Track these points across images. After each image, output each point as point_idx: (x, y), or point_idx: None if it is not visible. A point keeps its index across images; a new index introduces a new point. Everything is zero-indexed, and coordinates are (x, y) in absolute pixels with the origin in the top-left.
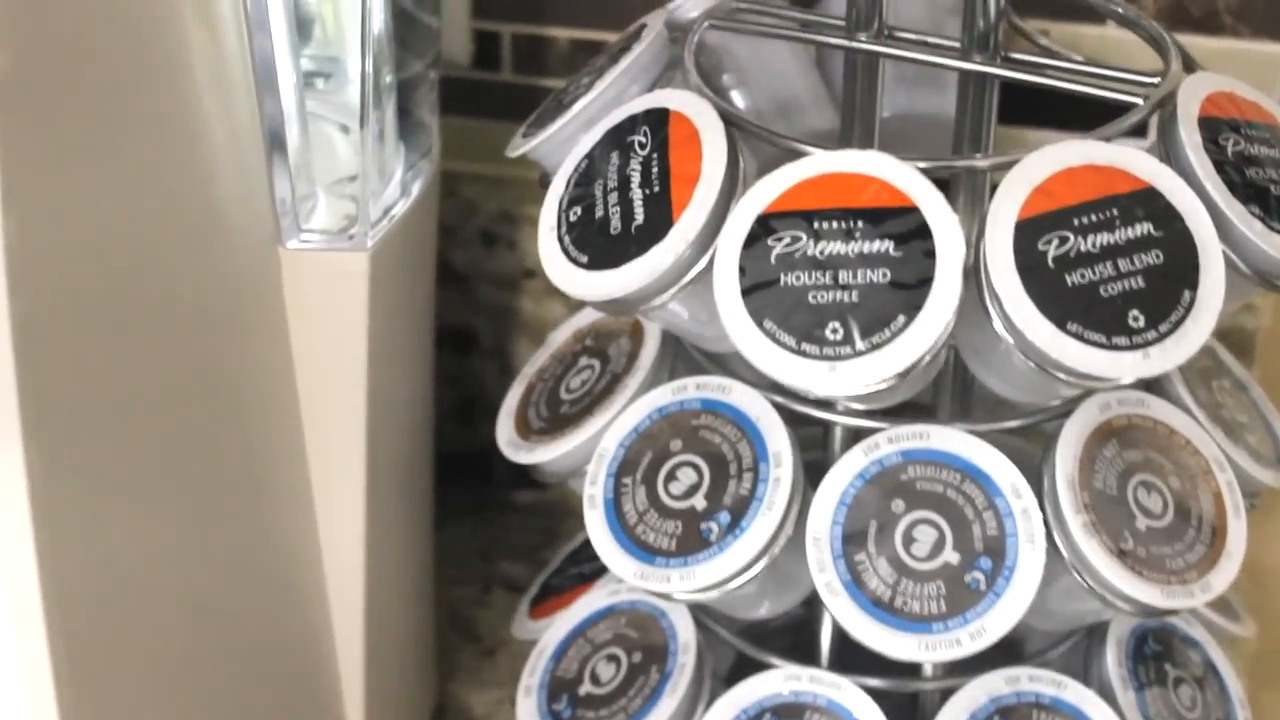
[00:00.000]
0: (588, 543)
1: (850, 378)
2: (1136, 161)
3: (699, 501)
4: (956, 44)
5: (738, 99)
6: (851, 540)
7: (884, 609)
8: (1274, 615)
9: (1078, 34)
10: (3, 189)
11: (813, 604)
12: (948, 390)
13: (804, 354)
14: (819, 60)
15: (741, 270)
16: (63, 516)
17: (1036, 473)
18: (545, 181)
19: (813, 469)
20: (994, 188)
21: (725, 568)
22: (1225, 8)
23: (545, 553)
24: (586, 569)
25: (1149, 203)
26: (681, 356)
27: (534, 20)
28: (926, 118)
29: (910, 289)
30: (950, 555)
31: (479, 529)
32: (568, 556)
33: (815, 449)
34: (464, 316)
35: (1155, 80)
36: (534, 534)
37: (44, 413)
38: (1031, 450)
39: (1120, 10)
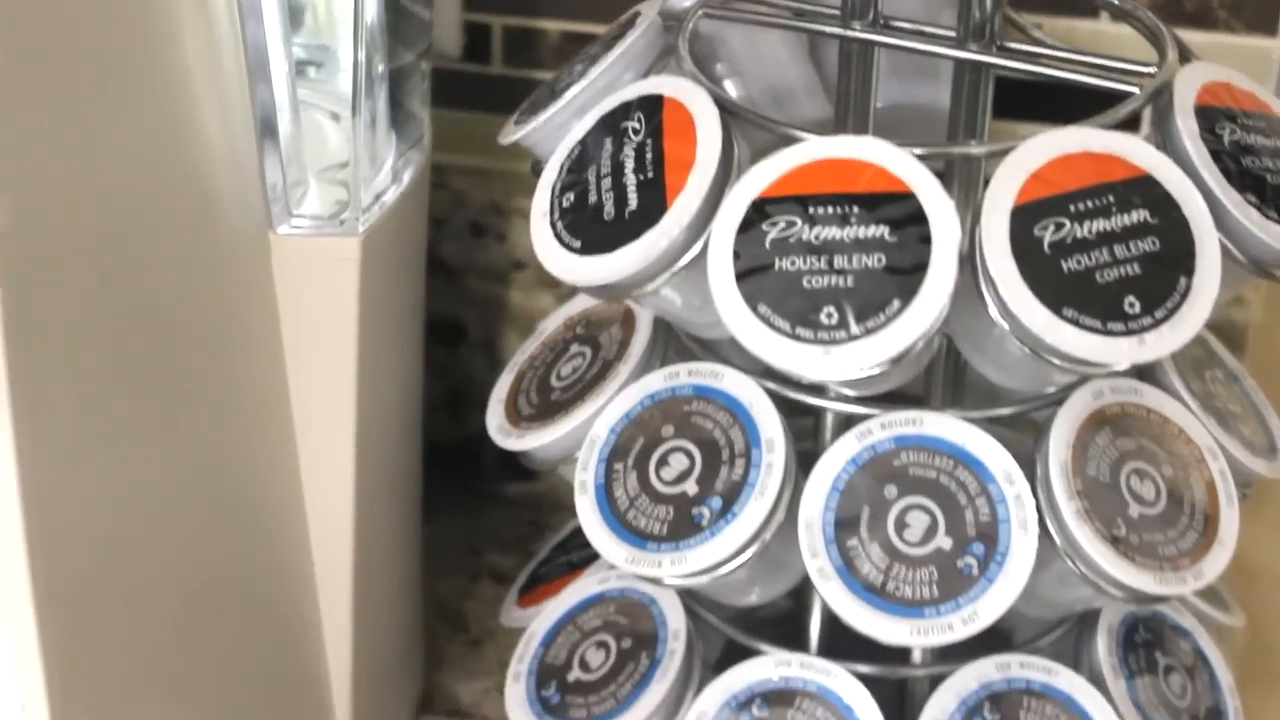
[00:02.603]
0: (576, 532)
1: (845, 362)
2: (1134, 149)
3: (690, 487)
4: (952, 34)
5: (731, 88)
6: (844, 526)
7: (876, 594)
8: (1260, 613)
9: (1071, 27)
10: None
11: (802, 593)
12: (940, 379)
13: (799, 338)
14: (813, 50)
15: (736, 255)
16: (56, 510)
17: (1029, 460)
18: (537, 170)
19: (805, 459)
20: (989, 179)
21: (717, 552)
22: (1219, 2)
23: (534, 545)
24: (575, 558)
25: (1146, 190)
26: (673, 344)
27: (525, 12)
28: (920, 109)
29: (905, 274)
30: (943, 541)
31: (467, 521)
32: (556, 546)
33: (807, 440)
34: (452, 308)
35: (1151, 70)
36: (522, 526)
37: (34, 399)
38: (1023, 441)
39: (1116, 2)
